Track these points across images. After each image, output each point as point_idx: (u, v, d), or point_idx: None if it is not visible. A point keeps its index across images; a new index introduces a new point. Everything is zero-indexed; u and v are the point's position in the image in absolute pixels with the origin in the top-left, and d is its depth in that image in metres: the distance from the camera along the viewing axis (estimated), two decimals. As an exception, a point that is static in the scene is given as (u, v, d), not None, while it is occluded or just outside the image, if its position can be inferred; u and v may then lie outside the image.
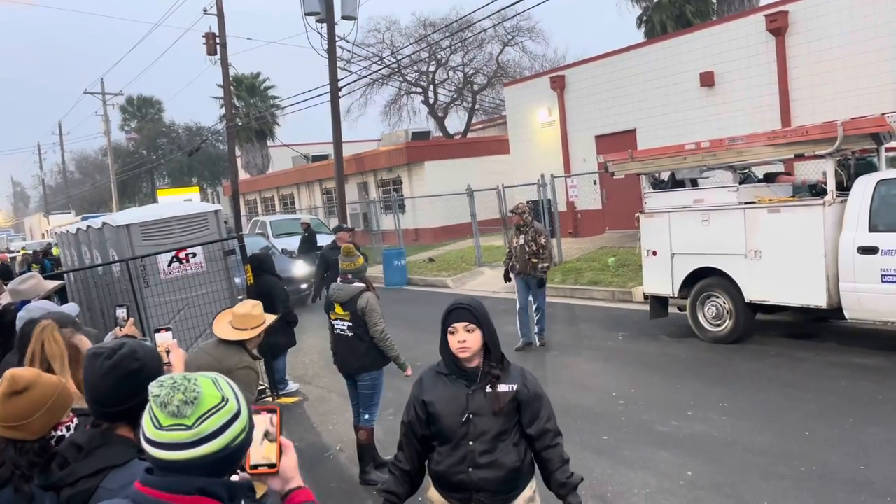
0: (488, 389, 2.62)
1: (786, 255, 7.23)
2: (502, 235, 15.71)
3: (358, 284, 4.98)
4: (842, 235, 6.79)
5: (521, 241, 8.37)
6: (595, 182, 17.22)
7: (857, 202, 6.74)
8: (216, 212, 7.37)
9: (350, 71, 25.20)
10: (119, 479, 1.66)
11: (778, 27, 13.52)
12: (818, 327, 8.04)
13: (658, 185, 8.94)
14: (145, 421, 1.38)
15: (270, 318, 3.94)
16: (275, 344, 7.29)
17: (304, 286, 13.46)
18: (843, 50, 12.63)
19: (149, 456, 1.39)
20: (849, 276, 6.72)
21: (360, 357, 4.96)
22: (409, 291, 15.18)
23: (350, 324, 4.96)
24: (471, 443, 2.59)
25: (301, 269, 14.00)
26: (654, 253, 8.53)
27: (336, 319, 5.07)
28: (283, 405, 7.28)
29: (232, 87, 25.98)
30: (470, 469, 2.59)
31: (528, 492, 2.69)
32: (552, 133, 18.93)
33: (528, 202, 17.39)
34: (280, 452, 1.59)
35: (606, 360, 7.72)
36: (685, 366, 7.21)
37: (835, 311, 6.97)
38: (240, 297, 7.30)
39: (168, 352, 2.78)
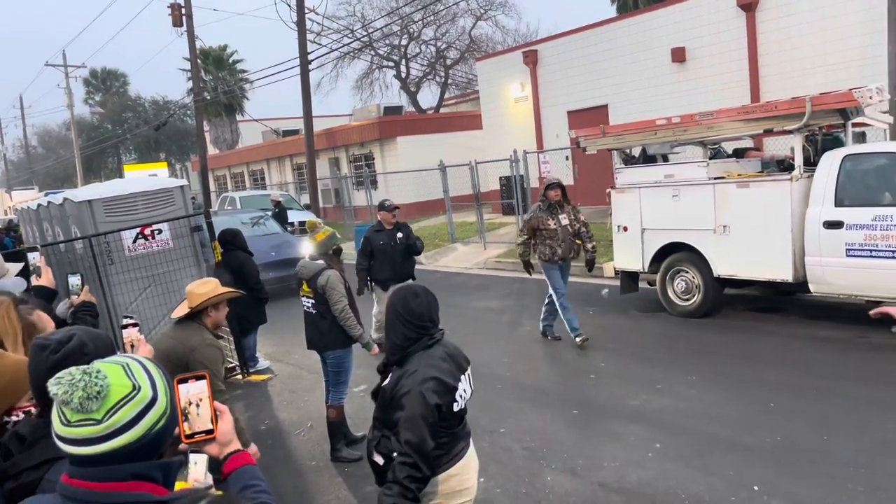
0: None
1: (754, 230, 7.30)
2: (475, 211, 15.68)
3: (319, 262, 4.94)
4: (808, 210, 6.88)
5: (565, 221, 7.34)
6: (567, 158, 17.21)
7: (824, 177, 6.81)
8: (182, 187, 7.20)
9: (320, 44, 24.75)
10: (63, 471, 1.60)
11: (748, 3, 13.55)
12: (784, 301, 8.17)
13: (629, 160, 8.97)
14: (53, 417, 1.32)
15: (226, 291, 3.83)
16: (245, 321, 7.20)
17: None
18: (811, 26, 12.72)
19: (64, 454, 1.33)
20: (814, 251, 6.82)
21: (324, 335, 4.93)
22: (381, 268, 15.09)
23: (313, 301, 4.93)
24: (373, 417, 2.75)
25: (306, 249, 13.60)
26: (625, 228, 8.57)
27: (303, 296, 5.04)
28: (254, 383, 7.21)
29: (199, 60, 25.39)
30: (367, 439, 2.79)
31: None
32: (525, 108, 18.86)
33: (501, 178, 17.47)
34: (215, 418, 1.59)
35: (577, 335, 7.77)
36: (655, 340, 7.29)
37: (800, 284, 7.08)
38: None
39: (133, 346, 2.70)
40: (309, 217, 17.36)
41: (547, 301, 7.61)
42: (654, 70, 15.40)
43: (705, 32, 14.45)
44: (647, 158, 8.85)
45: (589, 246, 7.44)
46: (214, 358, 3.62)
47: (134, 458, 1.33)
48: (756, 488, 4.03)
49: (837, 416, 4.92)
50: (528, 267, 7.67)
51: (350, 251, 15.56)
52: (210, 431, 1.58)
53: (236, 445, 1.63)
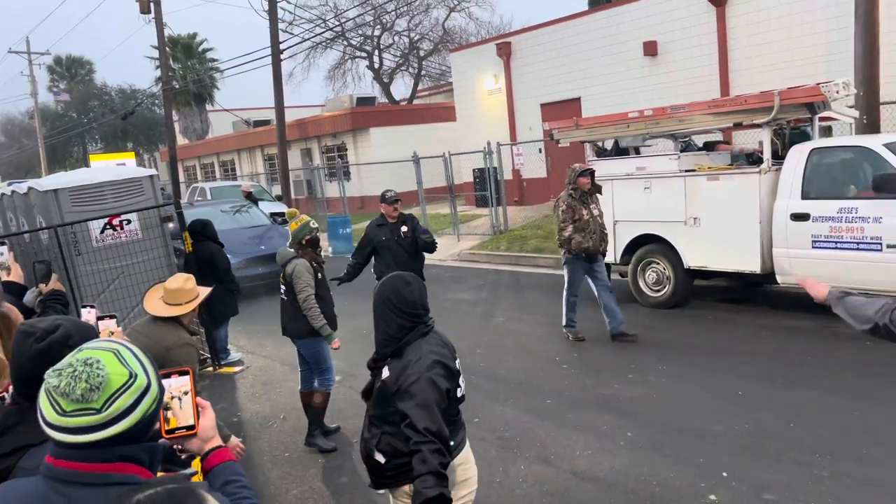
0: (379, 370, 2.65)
1: (723, 222, 7.42)
2: (448, 203, 15.67)
3: (291, 250, 5.00)
4: (776, 203, 7.00)
5: (596, 212, 6.90)
6: (540, 150, 17.30)
7: (791, 170, 6.94)
8: (152, 177, 7.08)
9: (292, 33, 24.48)
10: (37, 457, 1.58)
11: (719, -2, 13.71)
12: (752, 292, 8.32)
13: (602, 153, 9.03)
14: (44, 406, 1.31)
15: (204, 292, 3.79)
16: (216, 313, 7.12)
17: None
18: (780, 22, 12.91)
19: (53, 440, 1.32)
20: (782, 242, 6.95)
21: (295, 322, 4.98)
22: (354, 259, 15.03)
23: (285, 288, 5.02)
24: (368, 415, 2.67)
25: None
26: (598, 220, 8.62)
27: (281, 284, 5.11)
28: (225, 375, 7.14)
29: (168, 49, 24.93)
30: (362, 440, 2.67)
31: (407, 487, 2.53)
32: (498, 100, 18.87)
33: (475, 170, 17.47)
34: (197, 414, 1.59)
35: (550, 326, 7.81)
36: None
37: (768, 276, 7.21)
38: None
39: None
40: (282, 208, 17.23)
41: (567, 299, 7.11)
42: (627, 63, 15.51)
43: (677, 27, 14.59)
44: (620, 151, 8.92)
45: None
46: (191, 358, 3.56)
47: (124, 442, 1.34)
48: (725, 474, 4.10)
49: (804, 404, 5.03)
50: (590, 255, 6.88)
51: (323, 242, 15.46)
52: (191, 427, 1.58)
53: (217, 442, 1.63)
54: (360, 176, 22.65)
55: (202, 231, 7.24)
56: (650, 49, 14.99)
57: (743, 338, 6.71)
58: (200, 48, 34.70)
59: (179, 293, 3.65)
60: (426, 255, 6.58)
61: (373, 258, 6.44)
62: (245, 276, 9.79)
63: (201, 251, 7.11)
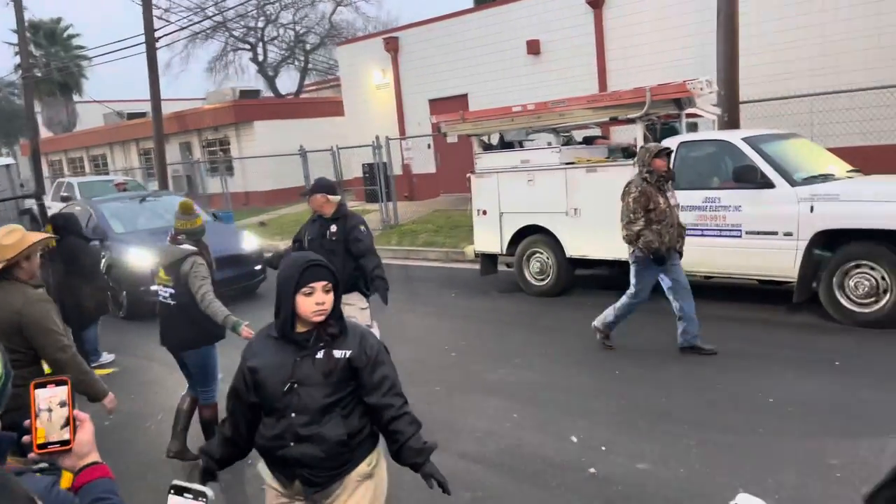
0: (318, 356, 2.41)
1: (601, 213, 7.76)
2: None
3: (186, 247, 4.41)
4: (649, 193, 7.41)
5: (673, 201, 5.84)
6: (429, 146, 17.44)
7: (662, 163, 7.37)
8: (8, 166, 6.55)
9: (169, 21, 23.34)
10: None
11: (596, 0, 14.34)
12: (628, 280, 8.76)
13: (488, 147, 9.23)
14: None
15: (36, 237, 3.39)
16: (83, 312, 6.68)
17: (258, 267, 9.57)
18: (652, 25, 13.68)
19: None
20: (654, 231, 7.37)
21: (184, 331, 4.42)
22: (239, 257, 14.55)
23: (173, 291, 4.41)
24: (293, 414, 2.39)
25: (251, 243, 10.04)
26: (485, 212, 8.82)
27: (159, 285, 4.52)
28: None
29: (28, 34, 23.10)
30: (291, 443, 2.39)
31: (364, 467, 2.48)
32: (387, 95, 18.84)
33: (364, 165, 17.37)
34: (74, 428, 1.45)
35: (440, 317, 7.92)
36: (512, 318, 7.58)
37: (643, 263, 7.62)
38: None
39: None
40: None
41: (679, 313, 5.90)
42: (512, 61, 15.92)
43: (557, 27, 15.13)
44: (505, 145, 9.15)
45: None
46: (46, 313, 3.25)
47: None
48: (603, 448, 4.31)
49: (674, 379, 5.37)
50: (662, 259, 5.73)
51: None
52: (66, 442, 1.43)
53: (94, 458, 1.50)
54: (245, 170, 21.96)
55: (65, 226, 6.76)
56: (533, 48, 15.47)
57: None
58: (66, 34, 32.43)
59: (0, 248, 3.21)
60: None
61: None
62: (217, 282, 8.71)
63: (65, 247, 6.65)
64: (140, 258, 8.15)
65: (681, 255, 5.94)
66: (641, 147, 6.19)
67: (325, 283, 2.41)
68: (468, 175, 9.06)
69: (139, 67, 20.47)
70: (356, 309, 5.28)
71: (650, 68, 13.35)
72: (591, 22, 14.60)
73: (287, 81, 34.20)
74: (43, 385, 1.43)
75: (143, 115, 27.13)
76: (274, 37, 32.42)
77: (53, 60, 30.57)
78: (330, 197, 5.26)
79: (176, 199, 10.36)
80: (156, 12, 19.81)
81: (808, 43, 11.89)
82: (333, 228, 5.25)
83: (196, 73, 43.88)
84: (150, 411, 5.68)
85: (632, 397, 5.10)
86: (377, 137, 14.52)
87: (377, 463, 2.53)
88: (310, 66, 32.88)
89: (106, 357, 7.16)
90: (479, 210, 8.90)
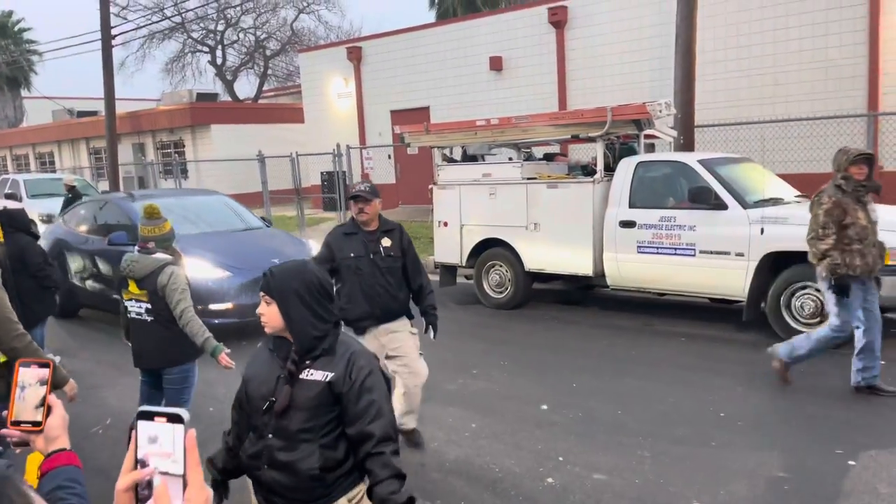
0: (302, 375, 2.22)
1: (560, 228, 7.90)
2: (295, 206, 15.33)
3: (161, 256, 4.11)
4: (607, 211, 7.58)
5: (874, 217, 4.98)
6: (390, 156, 17.47)
7: (620, 181, 7.55)
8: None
9: (126, 19, 22.85)
10: None
11: (559, 20, 14.65)
12: (585, 294, 8.93)
13: (449, 161, 9.30)
14: None
15: None
16: (30, 312, 6.43)
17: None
18: (612, 48, 14.04)
19: None
20: (611, 247, 7.53)
21: (165, 348, 4.10)
22: (191, 261, 14.26)
23: (149, 305, 4.08)
24: (271, 436, 2.22)
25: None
26: (445, 224, 8.87)
27: (130, 300, 4.17)
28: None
29: (-25, 23, 22.33)
30: (265, 466, 2.23)
31: (343, 502, 2.25)
32: (348, 104, 18.81)
33: (323, 173, 17.25)
34: (47, 411, 1.46)
35: (397, 327, 7.91)
36: (471, 330, 7.62)
37: (599, 279, 7.78)
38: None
39: None
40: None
41: (862, 341, 5.02)
42: (474, 76, 16.10)
43: (520, 44, 15.38)
44: (467, 159, 9.24)
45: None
46: (0, 301, 3.20)
47: None
48: (560, 459, 4.37)
49: (629, 393, 5.48)
50: (846, 288, 4.87)
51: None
52: (38, 424, 1.45)
53: (62, 444, 1.50)
54: (200, 174, 21.57)
55: (10, 223, 6.51)
56: (496, 64, 15.68)
57: (576, 335, 7.18)
58: (17, 27, 31.44)
59: None
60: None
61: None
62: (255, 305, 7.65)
63: (12, 244, 6.41)
64: (203, 268, 7.17)
65: (879, 283, 5.06)
66: (839, 150, 5.05)
67: (263, 293, 2.26)
68: (430, 186, 9.10)
69: (92, 65, 19.97)
70: (405, 335, 4.46)
71: (609, 89, 13.69)
72: (553, 41, 14.89)
73: (246, 86, 33.84)
74: (28, 364, 1.46)
75: (94, 113, 26.46)
76: (234, 41, 32.07)
77: (3, 54, 29.59)
78: (367, 206, 4.26)
79: (213, 198, 9.56)
80: (113, 10, 19.40)
81: (760, 72, 12.37)
82: (387, 243, 4.30)
83: (152, 73, 43.05)
84: (97, 416, 5.50)
85: (589, 409, 5.18)
86: (337, 145, 14.48)
87: (361, 499, 2.29)
88: (269, 71, 32.58)
89: (52, 359, 6.91)
90: (439, 221, 8.95)
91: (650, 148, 9.01)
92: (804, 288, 6.37)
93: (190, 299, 4.09)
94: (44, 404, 1.46)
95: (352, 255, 4.24)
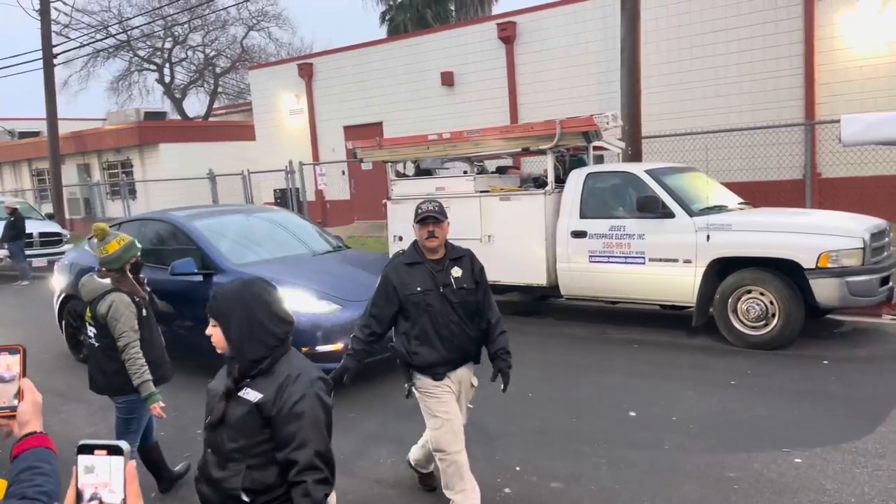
0: (240, 393, 2.21)
1: (514, 240, 7.98)
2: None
3: (103, 282, 3.93)
4: (559, 221, 7.70)
5: None
6: (344, 172, 17.41)
7: (571, 192, 7.68)
8: None
9: (68, 37, 22.34)
10: None
11: (508, 35, 14.87)
12: (540, 305, 9.02)
13: (403, 176, 9.33)
14: None
15: None
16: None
17: None
18: (559, 62, 14.31)
19: None
20: (564, 258, 7.64)
21: (110, 376, 3.95)
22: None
23: (94, 331, 3.98)
24: (209, 450, 2.25)
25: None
26: (401, 238, 8.86)
27: (87, 322, 4.07)
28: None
29: None
30: (202, 479, 2.25)
31: None
32: (300, 121, 18.73)
33: (276, 190, 17.09)
34: (20, 395, 1.51)
35: (354, 343, 7.84)
36: (427, 344, 7.61)
37: (553, 289, 7.87)
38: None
39: None
40: (54, 227, 15.52)
41: None
42: (426, 91, 16.20)
43: (471, 59, 15.56)
44: (421, 173, 9.28)
45: None
46: None
47: None
48: (518, 468, 4.40)
49: (584, 400, 5.54)
50: None
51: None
52: (13, 408, 1.50)
53: (34, 427, 1.53)
54: (149, 194, 21.15)
55: None
56: (447, 79, 15.82)
57: (532, 345, 7.23)
58: (-49, 46, 30.37)
59: None
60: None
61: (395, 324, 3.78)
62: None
63: None
64: (305, 301, 5.96)
65: None
66: None
67: (211, 315, 2.26)
68: (384, 201, 9.10)
69: (34, 84, 19.43)
70: (469, 384, 3.93)
71: (559, 102, 13.93)
72: (503, 56, 15.10)
73: (195, 104, 33.41)
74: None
75: (36, 133, 25.73)
76: (182, 58, 31.63)
77: (-64, 73, 28.61)
78: (436, 228, 3.58)
79: (280, 215, 8.30)
80: (55, 28, 18.95)
81: (702, 84, 12.76)
82: (458, 273, 3.64)
83: (97, 92, 42.11)
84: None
85: (544, 419, 5.22)
86: (290, 163, 14.39)
87: None
88: (220, 89, 32.21)
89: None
90: (394, 236, 8.95)
91: (599, 159, 9.19)
92: (749, 292, 6.56)
93: (134, 333, 3.89)
94: (19, 389, 1.50)
95: (418, 289, 3.58)
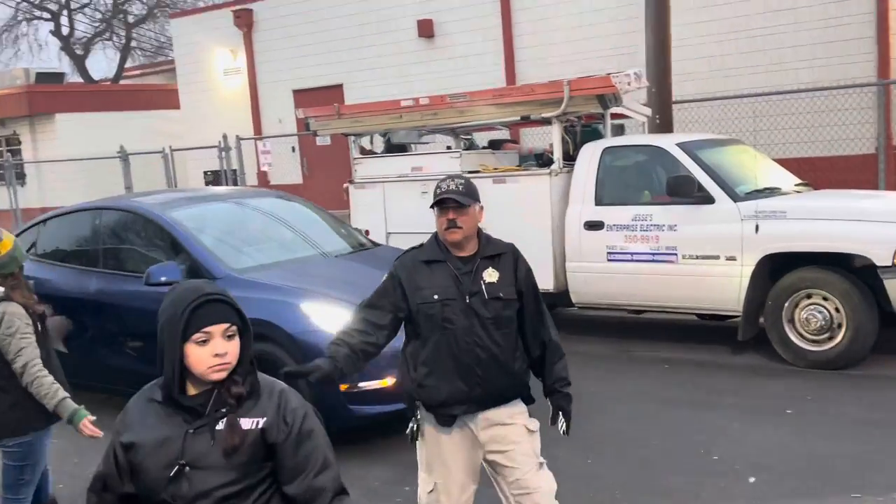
0: (219, 427, 2.17)
1: (511, 233, 7.95)
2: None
3: None
4: (568, 210, 7.72)
5: None
6: (294, 149, 17.36)
7: (584, 172, 7.71)
8: None
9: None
10: None
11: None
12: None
13: (366, 152, 9.33)
14: None
15: None
16: None
17: None
18: (568, 6, 14.27)
19: None
20: (576, 256, 7.67)
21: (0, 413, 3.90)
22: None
23: None
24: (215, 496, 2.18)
25: None
26: (367, 232, 8.85)
27: None
28: None
29: None
30: None
31: None
32: (238, 83, 18.67)
33: (207, 172, 17.04)
34: None
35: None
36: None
37: (562, 295, 7.88)
38: None
39: None
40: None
41: None
42: (399, 45, 16.17)
43: (456, 4, 15.52)
44: (392, 149, 9.28)
45: None
46: None
47: None
48: (518, 523, 4.41)
49: (602, 436, 5.57)
50: None
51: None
52: None
53: None
54: (42, 179, 20.99)
55: None
56: (426, 29, 15.79)
57: (536, 368, 7.26)
58: None
59: None
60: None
61: (403, 335, 3.54)
62: None
63: None
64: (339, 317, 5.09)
65: None
66: None
67: (225, 325, 2.18)
68: (345, 185, 9.09)
69: None
70: (520, 432, 3.54)
71: (567, 58, 13.94)
72: (496, 0, 15.11)
73: (102, 63, 33.11)
74: None
75: None
76: (84, 3, 31.37)
77: None
78: (458, 215, 3.31)
79: (289, 203, 7.88)
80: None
81: (749, 35, 12.80)
82: (493, 276, 3.37)
83: (-27, 48, 41.64)
84: None
85: (553, 458, 5.19)
86: (224, 137, 14.34)
87: None
88: (133, 43, 32.00)
89: None
90: (359, 229, 8.94)
91: (619, 131, 9.24)
92: (809, 297, 6.62)
93: (34, 349, 3.85)
94: None
95: (435, 297, 3.30)
